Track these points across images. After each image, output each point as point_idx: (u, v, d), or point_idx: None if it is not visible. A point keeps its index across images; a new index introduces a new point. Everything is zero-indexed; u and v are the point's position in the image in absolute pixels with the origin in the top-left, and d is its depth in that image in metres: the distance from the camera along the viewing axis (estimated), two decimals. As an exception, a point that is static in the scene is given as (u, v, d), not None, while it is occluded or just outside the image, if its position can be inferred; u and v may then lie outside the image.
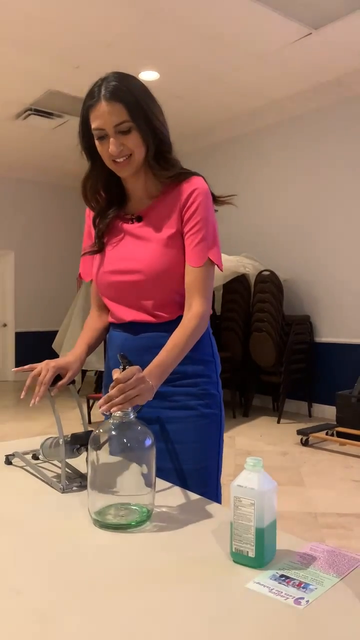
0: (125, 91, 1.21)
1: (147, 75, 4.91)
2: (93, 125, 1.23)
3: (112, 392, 1.01)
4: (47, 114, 5.85)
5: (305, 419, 5.28)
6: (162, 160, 1.29)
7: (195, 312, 1.26)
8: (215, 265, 1.31)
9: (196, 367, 1.33)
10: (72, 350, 1.37)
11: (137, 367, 1.06)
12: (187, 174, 1.32)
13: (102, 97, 1.20)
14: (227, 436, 4.63)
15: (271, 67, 4.83)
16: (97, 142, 1.26)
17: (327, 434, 4.44)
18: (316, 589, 0.75)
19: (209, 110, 5.80)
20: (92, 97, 1.23)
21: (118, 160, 1.25)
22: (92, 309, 1.49)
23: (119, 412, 0.98)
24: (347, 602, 0.72)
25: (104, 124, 1.21)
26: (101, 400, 1.01)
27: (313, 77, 5.06)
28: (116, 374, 1.04)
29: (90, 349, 1.40)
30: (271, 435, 4.73)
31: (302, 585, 0.75)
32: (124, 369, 1.04)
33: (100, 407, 1.01)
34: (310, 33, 4.23)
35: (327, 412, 5.22)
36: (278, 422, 5.17)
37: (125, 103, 1.20)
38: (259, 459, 0.83)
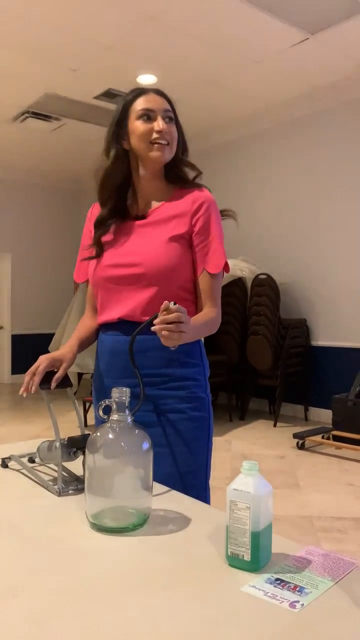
0: (167, 95, 1.39)
1: (145, 79, 4.93)
2: (142, 107, 1.33)
3: (170, 316, 1.07)
4: (45, 117, 5.86)
5: (301, 423, 5.29)
6: (181, 164, 1.41)
7: (210, 310, 1.35)
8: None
9: (185, 370, 1.35)
10: (64, 344, 1.40)
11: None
12: (195, 184, 1.41)
13: (151, 89, 1.37)
14: (223, 439, 4.64)
15: (268, 72, 4.85)
16: (139, 123, 1.33)
17: (323, 437, 4.45)
18: (311, 592, 0.75)
19: (206, 114, 5.82)
20: (139, 89, 1.37)
21: (162, 142, 1.33)
22: (86, 309, 1.52)
23: (116, 415, 0.99)
24: (341, 605, 0.72)
25: (155, 106, 1.34)
26: (157, 320, 1.09)
27: (310, 82, 5.08)
28: (169, 304, 1.09)
29: (82, 344, 1.42)
30: (267, 438, 4.74)
31: (297, 589, 0.76)
32: (175, 304, 1.10)
33: (154, 327, 1.09)
34: (308, 38, 4.25)
35: (323, 415, 5.23)
36: (274, 425, 5.18)
37: (169, 101, 1.38)
38: (255, 462, 0.84)
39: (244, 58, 4.58)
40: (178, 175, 1.40)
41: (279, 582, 0.78)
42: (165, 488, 1.17)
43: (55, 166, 7.56)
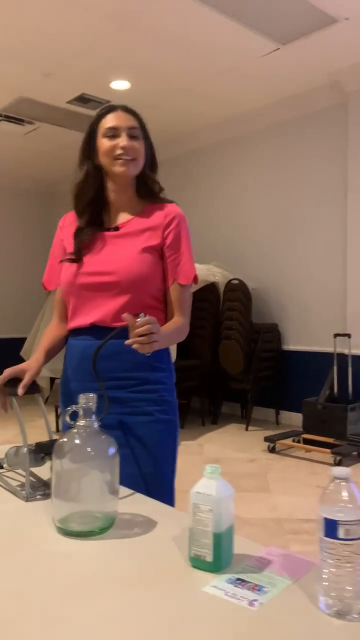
0: (136, 112, 1.45)
1: (118, 85, 4.94)
2: (108, 125, 1.40)
3: (141, 329, 1.13)
4: (18, 121, 5.82)
5: (272, 426, 5.35)
6: (149, 179, 1.47)
7: (179, 319, 1.42)
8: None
9: (154, 374, 1.40)
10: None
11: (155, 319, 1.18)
12: (165, 199, 1.49)
13: (119, 107, 1.43)
14: (195, 443, 4.67)
15: (240, 80, 4.91)
16: (104, 140, 1.40)
17: (293, 440, 4.51)
18: (270, 591, 0.78)
19: (178, 121, 5.86)
20: (107, 107, 1.44)
21: (126, 157, 1.39)
22: (53, 318, 1.54)
23: (83, 421, 1.00)
24: (298, 603, 0.75)
25: (120, 123, 1.40)
26: (131, 335, 1.15)
27: (280, 91, 5.17)
28: (134, 319, 1.15)
29: (49, 354, 1.46)
30: (239, 442, 4.78)
31: (256, 588, 0.78)
32: (145, 315, 1.15)
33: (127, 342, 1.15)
34: (278, 48, 4.33)
35: (294, 419, 5.30)
36: (246, 429, 5.22)
37: (137, 117, 1.44)
38: (217, 466, 0.86)
39: (216, 66, 4.63)
40: (150, 190, 1.47)
41: (239, 582, 0.80)
42: (132, 491, 1.18)
43: (28, 170, 7.51)
